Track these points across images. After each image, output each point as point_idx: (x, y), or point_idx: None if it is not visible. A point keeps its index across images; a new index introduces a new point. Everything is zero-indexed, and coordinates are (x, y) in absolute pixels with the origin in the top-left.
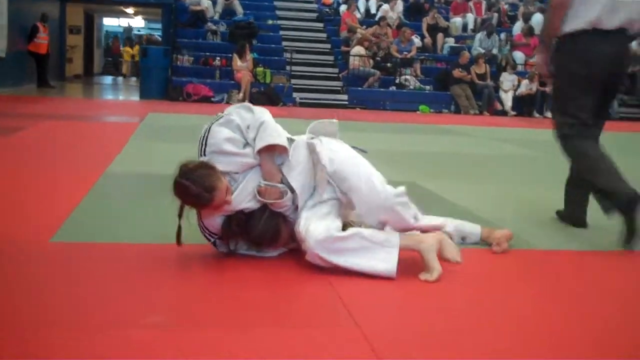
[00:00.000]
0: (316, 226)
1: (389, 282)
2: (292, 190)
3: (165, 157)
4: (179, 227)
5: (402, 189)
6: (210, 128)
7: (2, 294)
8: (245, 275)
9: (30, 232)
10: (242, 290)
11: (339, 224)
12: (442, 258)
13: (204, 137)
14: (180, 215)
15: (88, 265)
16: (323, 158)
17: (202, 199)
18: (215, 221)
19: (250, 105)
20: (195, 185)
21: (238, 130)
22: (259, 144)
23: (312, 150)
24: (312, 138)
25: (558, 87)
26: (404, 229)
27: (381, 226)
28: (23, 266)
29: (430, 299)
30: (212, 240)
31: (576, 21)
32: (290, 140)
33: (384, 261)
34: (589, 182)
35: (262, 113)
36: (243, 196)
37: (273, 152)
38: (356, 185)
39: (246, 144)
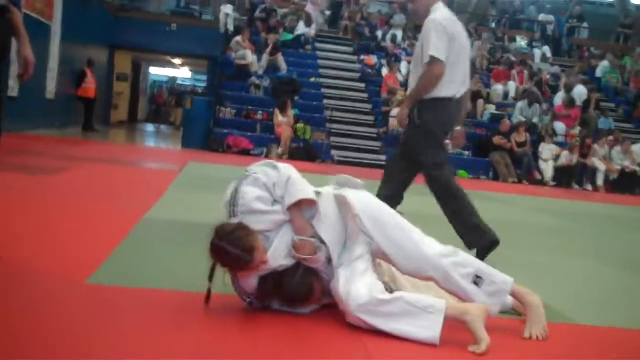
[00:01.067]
0: (357, 288)
1: (424, 346)
2: (323, 243)
3: (203, 206)
4: (209, 290)
5: (450, 247)
6: (238, 189)
7: (33, 331)
8: (276, 330)
9: (68, 271)
10: (272, 343)
11: (381, 285)
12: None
13: (233, 198)
14: (211, 278)
15: (121, 309)
16: (354, 207)
17: (242, 261)
18: (251, 281)
19: (275, 162)
20: (234, 247)
21: (265, 188)
22: (289, 200)
23: (340, 202)
24: (337, 189)
25: (423, 136)
26: (456, 294)
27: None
28: (57, 305)
29: None
30: (248, 300)
31: (441, 90)
32: (317, 194)
33: (427, 328)
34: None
35: (288, 169)
36: (277, 253)
37: (302, 206)
38: (396, 238)
39: (274, 202)
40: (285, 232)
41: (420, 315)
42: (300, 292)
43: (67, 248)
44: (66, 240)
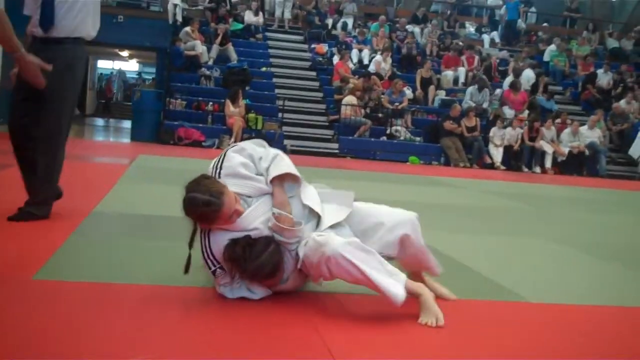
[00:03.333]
0: (335, 238)
1: (375, 328)
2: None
3: (153, 199)
4: (189, 256)
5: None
6: (225, 153)
7: None
8: (230, 318)
9: (14, 268)
10: (226, 333)
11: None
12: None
13: (219, 161)
14: (191, 244)
15: (70, 304)
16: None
17: (212, 205)
18: (223, 242)
19: (264, 142)
20: (202, 193)
21: (250, 159)
22: (274, 172)
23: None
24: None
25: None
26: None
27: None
28: (3, 302)
29: (417, 346)
30: (214, 268)
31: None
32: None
33: (395, 286)
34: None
35: (276, 150)
36: (254, 216)
37: (285, 182)
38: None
39: (258, 174)
40: (265, 201)
41: (388, 276)
42: (266, 266)
43: (13, 245)
44: (12, 237)
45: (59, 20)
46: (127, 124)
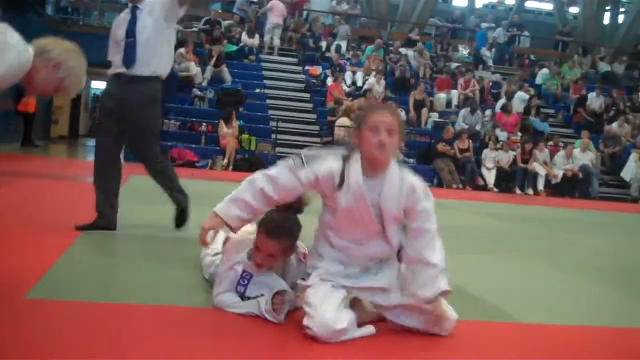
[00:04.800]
0: (330, 314)
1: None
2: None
3: (144, 219)
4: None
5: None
6: None
7: None
8: (229, 341)
9: (6, 287)
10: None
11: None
12: None
13: None
14: None
15: (61, 323)
16: None
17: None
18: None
19: None
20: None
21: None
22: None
23: None
24: None
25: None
26: None
27: None
28: None
29: None
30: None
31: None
32: None
33: (366, 329)
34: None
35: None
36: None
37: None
38: None
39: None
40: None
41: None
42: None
43: (5, 264)
44: (4, 256)
45: (140, 61)
46: None
